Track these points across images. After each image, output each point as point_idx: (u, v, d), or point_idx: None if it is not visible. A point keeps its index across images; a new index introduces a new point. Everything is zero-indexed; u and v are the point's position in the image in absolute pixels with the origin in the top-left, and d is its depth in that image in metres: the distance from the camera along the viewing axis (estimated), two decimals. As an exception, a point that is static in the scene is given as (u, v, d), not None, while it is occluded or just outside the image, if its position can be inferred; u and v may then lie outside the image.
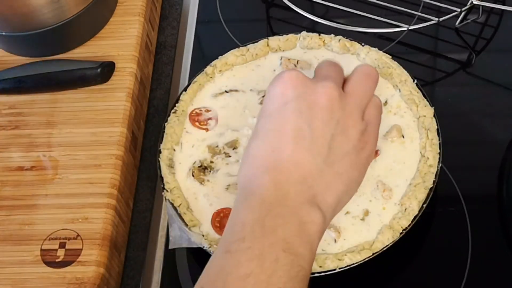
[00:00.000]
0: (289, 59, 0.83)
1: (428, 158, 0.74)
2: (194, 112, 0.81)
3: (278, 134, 0.63)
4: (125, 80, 0.87)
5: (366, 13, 0.92)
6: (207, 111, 0.81)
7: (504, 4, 0.94)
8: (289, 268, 0.57)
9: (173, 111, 0.80)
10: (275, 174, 0.61)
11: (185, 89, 0.82)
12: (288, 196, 0.60)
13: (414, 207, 0.71)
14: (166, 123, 0.79)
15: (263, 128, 0.64)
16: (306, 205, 0.61)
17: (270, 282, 0.56)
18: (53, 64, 0.86)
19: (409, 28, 0.90)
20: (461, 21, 0.91)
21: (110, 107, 0.85)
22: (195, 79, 0.83)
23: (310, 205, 0.61)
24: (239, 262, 0.56)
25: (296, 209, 0.60)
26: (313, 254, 0.60)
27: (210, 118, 0.80)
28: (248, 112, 0.80)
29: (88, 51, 0.90)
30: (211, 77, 0.83)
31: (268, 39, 0.84)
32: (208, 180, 0.76)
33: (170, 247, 0.73)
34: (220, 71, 0.83)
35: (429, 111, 0.77)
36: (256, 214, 0.59)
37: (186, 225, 0.72)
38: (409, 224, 0.70)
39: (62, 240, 0.75)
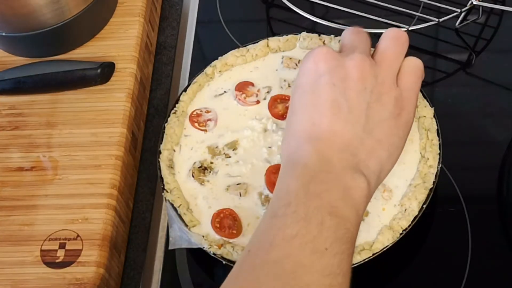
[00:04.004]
0: (290, 58, 0.83)
1: (428, 158, 0.74)
2: (194, 112, 0.81)
3: (315, 107, 0.64)
4: (125, 80, 0.87)
5: (366, 13, 0.92)
6: (207, 111, 0.81)
7: (504, 5, 0.94)
8: (334, 229, 0.57)
9: (173, 111, 0.80)
10: (317, 144, 0.62)
11: (185, 90, 0.82)
12: (331, 163, 0.61)
13: (414, 208, 0.71)
14: (166, 124, 0.79)
15: (300, 103, 0.66)
16: (349, 172, 0.61)
17: (316, 243, 0.56)
18: (53, 64, 0.86)
19: (409, 29, 0.89)
20: (461, 21, 0.91)
21: (110, 108, 0.85)
22: (195, 80, 0.83)
23: (353, 171, 0.61)
24: (284, 224, 0.57)
25: (340, 176, 0.61)
26: (359, 218, 0.61)
27: (209, 119, 0.80)
28: (247, 112, 0.80)
29: (88, 51, 0.90)
30: (211, 78, 0.83)
31: (268, 39, 0.84)
32: (208, 181, 0.76)
33: (170, 248, 0.73)
34: (220, 71, 0.83)
35: (429, 111, 0.77)
36: (300, 181, 0.60)
37: (186, 225, 0.72)
38: (409, 225, 0.70)
39: (62, 241, 0.75)
